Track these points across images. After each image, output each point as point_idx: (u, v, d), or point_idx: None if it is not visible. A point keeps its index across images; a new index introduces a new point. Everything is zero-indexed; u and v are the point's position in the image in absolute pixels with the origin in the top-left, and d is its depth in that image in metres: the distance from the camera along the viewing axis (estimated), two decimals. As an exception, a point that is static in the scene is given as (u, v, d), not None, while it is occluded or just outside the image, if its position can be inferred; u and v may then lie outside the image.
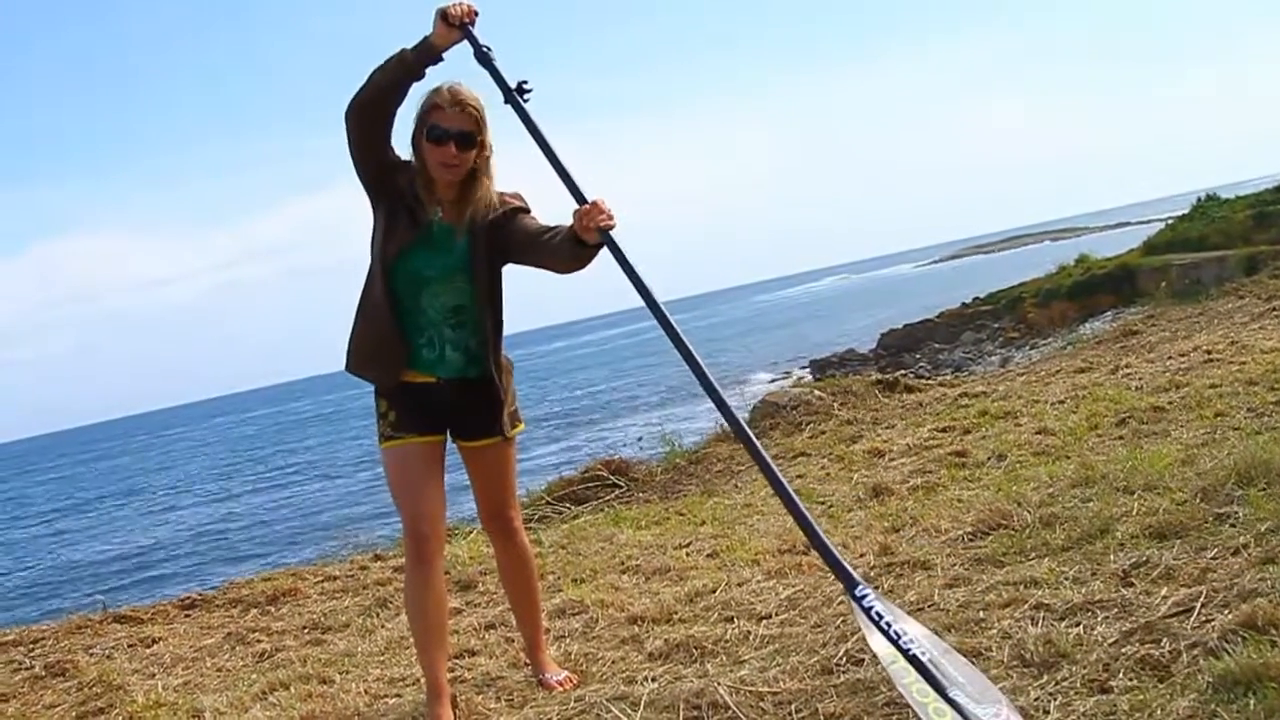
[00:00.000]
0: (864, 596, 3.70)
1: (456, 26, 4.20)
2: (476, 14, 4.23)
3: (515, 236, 4.32)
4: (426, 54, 4.19)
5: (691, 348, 4.08)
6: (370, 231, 4.36)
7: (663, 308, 4.11)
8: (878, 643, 3.58)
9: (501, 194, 4.41)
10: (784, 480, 4.00)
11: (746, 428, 4.15)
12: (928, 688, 3.38)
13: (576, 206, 4.11)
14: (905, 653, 3.48)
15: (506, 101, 4.32)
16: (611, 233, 4.05)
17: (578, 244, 4.10)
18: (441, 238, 4.31)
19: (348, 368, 4.42)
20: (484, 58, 4.30)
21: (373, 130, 4.23)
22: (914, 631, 3.59)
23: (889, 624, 3.58)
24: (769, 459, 4.05)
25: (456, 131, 4.21)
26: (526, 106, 4.29)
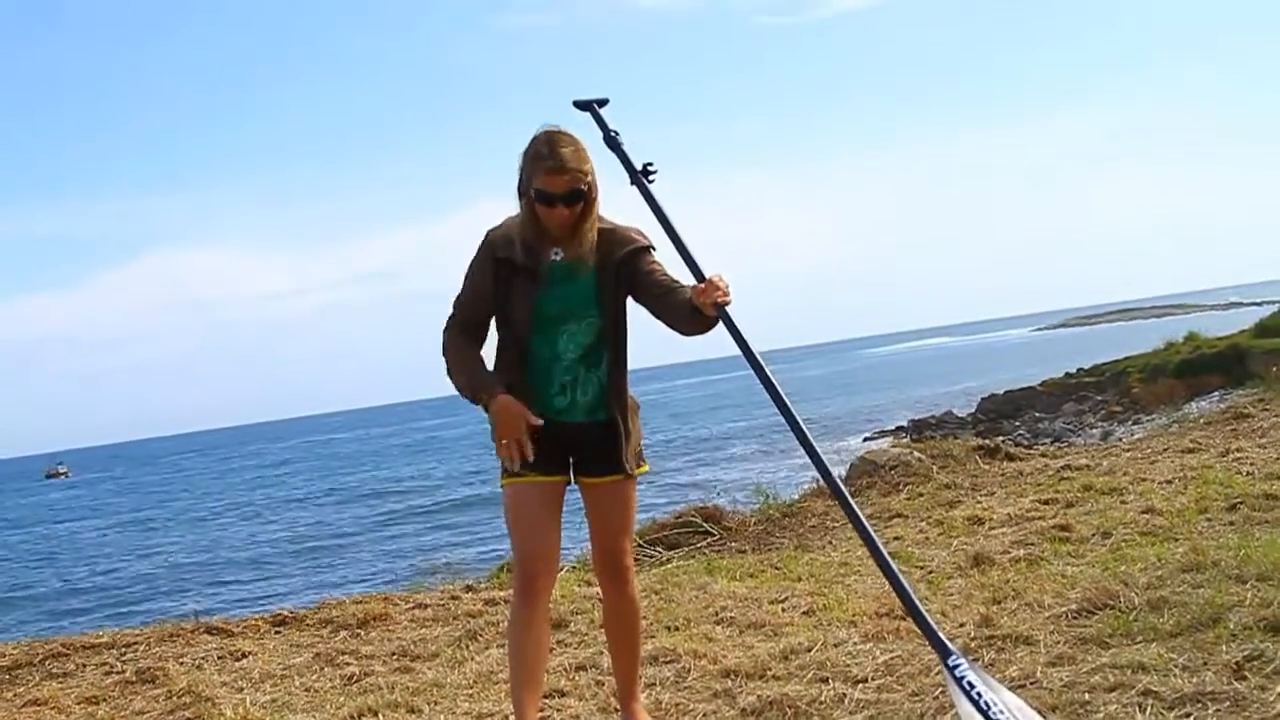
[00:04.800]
0: (957, 666, 3.66)
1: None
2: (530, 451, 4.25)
3: (640, 279, 4.33)
4: (476, 402, 4.32)
5: (793, 408, 4.13)
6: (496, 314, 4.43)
7: (770, 374, 4.16)
8: (968, 714, 3.52)
9: (627, 230, 4.42)
10: (879, 542, 4.00)
11: (844, 489, 4.14)
12: None
13: (696, 282, 4.17)
14: None
15: (633, 183, 4.38)
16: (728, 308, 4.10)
17: (696, 312, 4.13)
18: (564, 276, 4.32)
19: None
20: (611, 141, 4.38)
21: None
22: (1005, 702, 3.53)
23: (979, 694, 3.53)
24: (865, 520, 4.03)
25: (564, 194, 4.21)
26: (651, 188, 4.35)
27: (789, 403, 4.12)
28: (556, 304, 4.30)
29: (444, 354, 4.38)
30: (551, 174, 4.19)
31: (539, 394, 4.33)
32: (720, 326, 4.16)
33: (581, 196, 4.24)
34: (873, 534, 3.99)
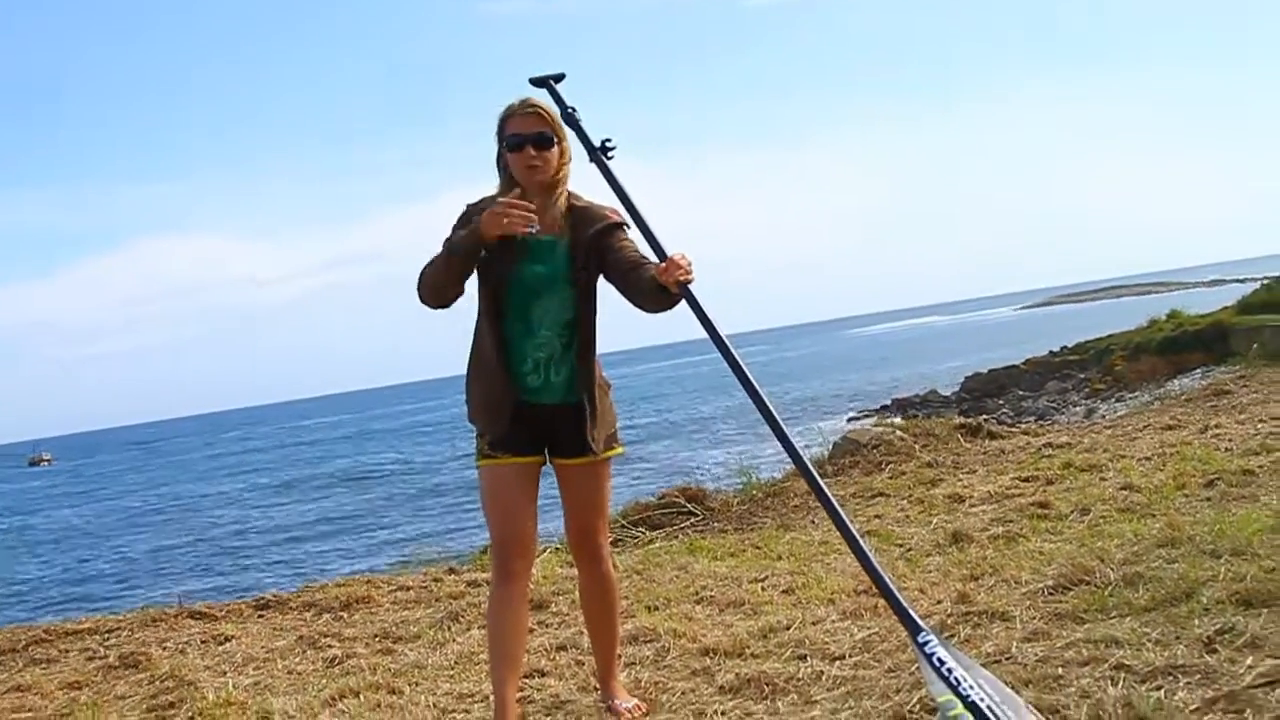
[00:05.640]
0: (927, 642, 3.69)
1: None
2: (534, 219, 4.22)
3: (610, 255, 4.37)
4: (477, 246, 4.26)
5: (764, 394, 4.16)
6: (477, 290, 4.44)
7: (737, 356, 4.19)
8: (938, 690, 3.56)
9: (601, 207, 4.48)
10: (848, 520, 4.06)
11: (812, 468, 4.18)
12: None
13: (658, 261, 4.21)
14: (965, 699, 3.49)
15: (591, 160, 4.41)
16: (691, 286, 4.14)
17: (660, 289, 4.16)
18: (542, 249, 4.37)
19: (469, 417, 4.51)
20: (569, 117, 4.40)
21: (454, 299, 4.41)
22: (976, 678, 3.56)
23: (949, 670, 3.57)
24: (834, 499, 4.07)
25: (532, 134, 4.32)
26: (610, 164, 4.38)
27: (755, 383, 4.15)
28: (531, 276, 4.34)
29: (419, 284, 4.36)
30: (520, 117, 4.34)
31: (513, 373, 4.36)
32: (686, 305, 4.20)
33: (550, 142, 4.34)
34: (841, 512, 4.04)
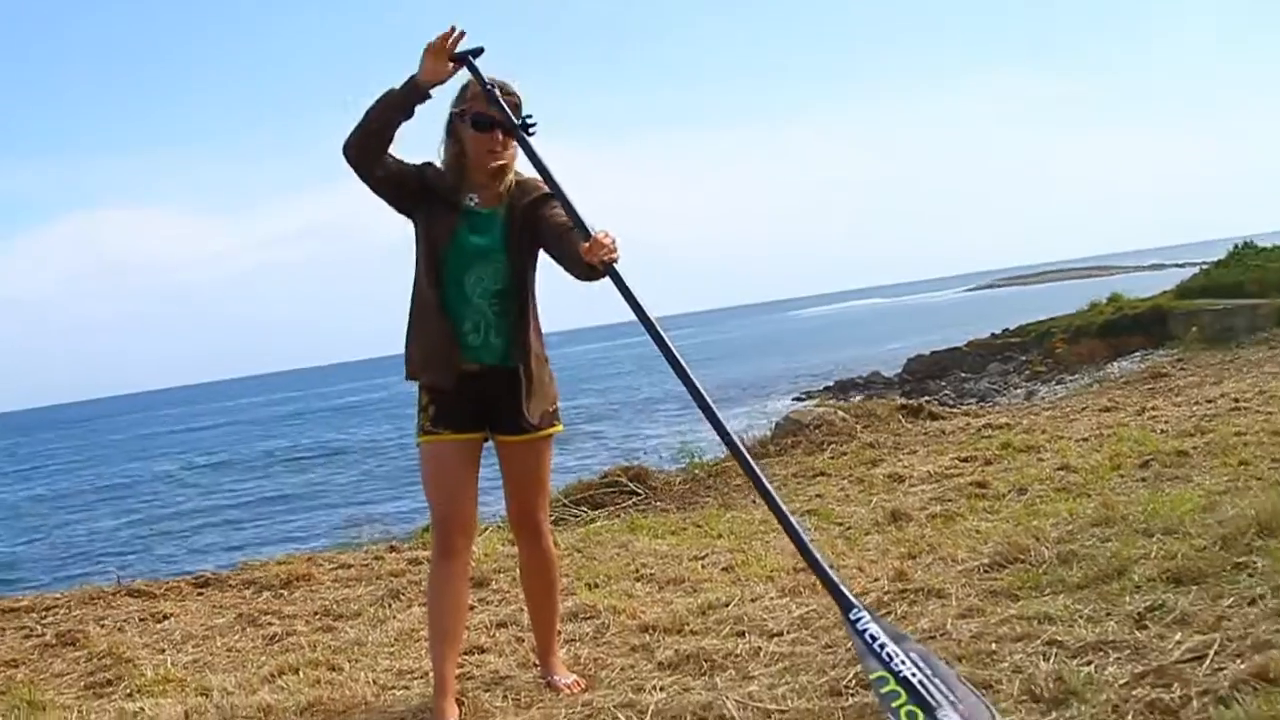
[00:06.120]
0: (859, 619, 3.73)
1: (450, 59, 4.26)
2: (461, 34, 4.24)
3: (545, 224, 4.39)
4: (413, 93, 4.26)
5: (691, 373, 4.18)
6: (414, 243, 4.45)
7: (665, 336, 4.21)
8: (871, 665, 3.60)
9: (536, 180, 4.50)
10: (778, 499, 4.09)
11: (742, 447, 4.20)
12: (916, 710, 3.41)
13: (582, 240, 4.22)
14: (896, 674, 3.53)
15: (512, 137, 4.40)
16: (616, 264, 4.18)
17: (587, 265, 4.18)
18: (480, 220, 4.40)
19: (408, 376, 4.50)
20: (489, 94, 4.34)
21: (372, 165, 4.32)
22: (908, 652, 3.60)
23: (882, 645, 3.61)
24: (765, 479, 4.12)
25: (503, 120, 4.33)
26: (531, 140, 4.36)
27: (684, 363, 4.17)
28: (469, 245, 4.37)
29: (350, 137, 4.29)
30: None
31: (454, 330, 4.37)
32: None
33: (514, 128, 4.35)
34: (771, 490, 4.08)
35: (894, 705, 3.45)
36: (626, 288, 4.19)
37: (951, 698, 3.43)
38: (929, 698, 3.42)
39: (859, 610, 3.75)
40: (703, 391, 4.15)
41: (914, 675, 3.50)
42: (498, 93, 4.34)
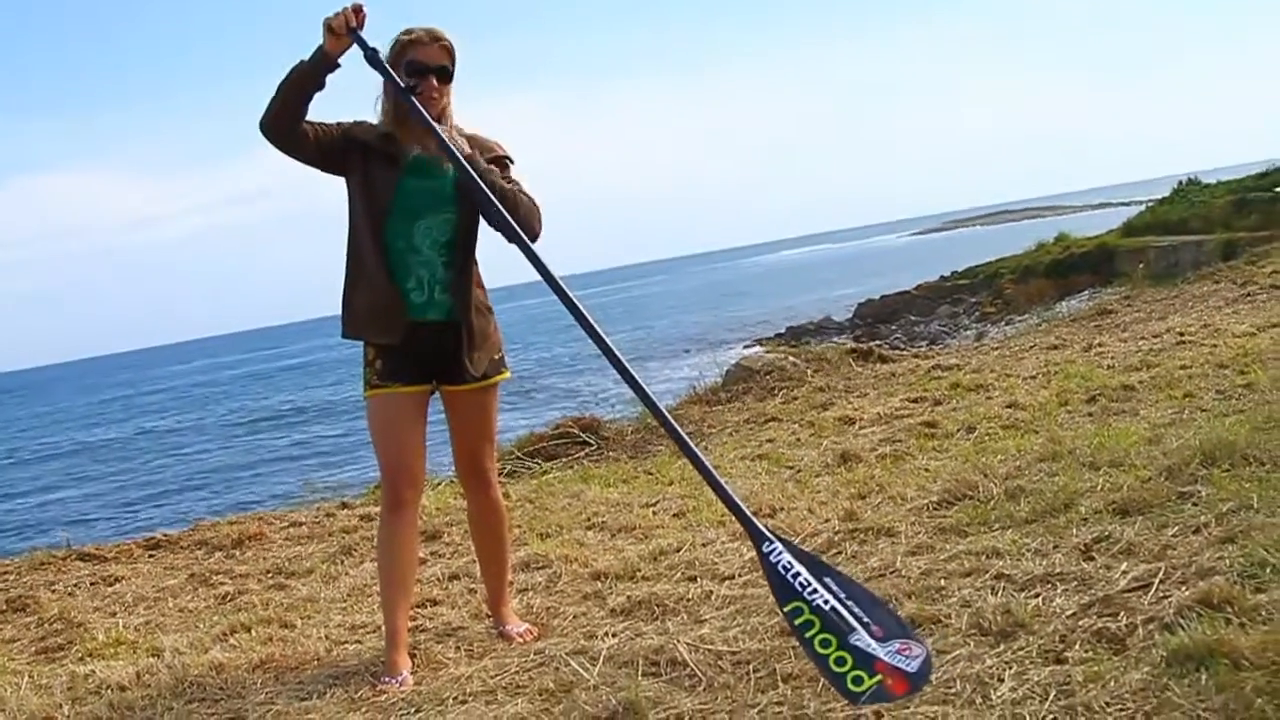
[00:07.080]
0: (772, 551, 3.72)
1: (344, 34, 4.22)
2: (364, 15, 4.22)
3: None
4: (322, 63, 4.22)
5: (600, 329, 4.18)
6: (347, 199, 4.40)
7: (574, 296, 4.20)
8: (784, 598, 3.59)
9: (489, 140, 4.52)
10: (686, 437, 4.12)
11: (652, 395, 4.22)
12: (830, 638, 3.41)
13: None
14: (810, 604, 3.52)
15: (400, 99, 4.36)
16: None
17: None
18: (427, 167, 4.38)
19: (345, 333, 4.45)
20: (373, 59, 4.33)
21: (290, 138, 4.28)
22: (822, 579, 3.59)
23: (795, 575, 3.60)
24: (675, 423, 4.15)
25: (437, 66, 4.34)
26: (418, 104, 4.32)
27: (593, 321, 4.19)
28: (415, 195, 4.34)
29: (265, 114, 4.25)
30: (425, 46, 4.33)
31: (398, 289, 4.33)
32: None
33: (449, 76, 4.37)
34: (680, 430, 4.11)
35: (807, 635, 3.44)
36: (533, 253, 4.21)
37: (865, 619, 3.43)
38: (841, 623, 3.42)
39: (772, 543, 3.74)
40: (611, 344, 4.16)
41: (826, 603, 3.49)
42: (378, 54, 4.30)
